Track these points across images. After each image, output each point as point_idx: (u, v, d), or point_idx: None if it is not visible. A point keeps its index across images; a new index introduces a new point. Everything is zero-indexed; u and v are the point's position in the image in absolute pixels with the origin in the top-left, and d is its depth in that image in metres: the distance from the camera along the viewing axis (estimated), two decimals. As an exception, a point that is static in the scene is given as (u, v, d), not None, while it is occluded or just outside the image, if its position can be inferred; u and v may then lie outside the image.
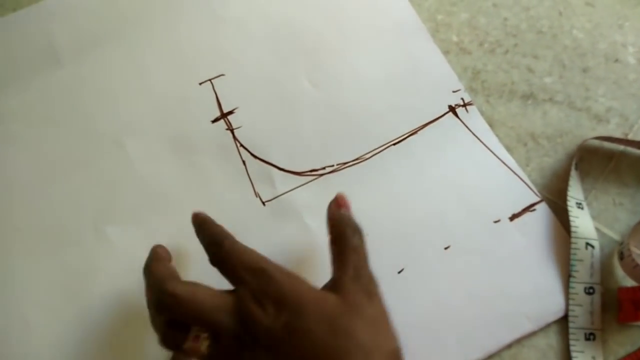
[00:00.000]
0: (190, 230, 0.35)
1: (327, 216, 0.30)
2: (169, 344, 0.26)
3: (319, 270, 0.34)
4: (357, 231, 0.29)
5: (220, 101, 0.38)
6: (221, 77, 0.39)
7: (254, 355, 0.25)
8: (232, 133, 0.38)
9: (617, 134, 0.37)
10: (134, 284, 0.34)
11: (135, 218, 0.36)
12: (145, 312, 0.34)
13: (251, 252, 0.27)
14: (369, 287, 0.27)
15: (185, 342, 0.25)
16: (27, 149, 0.37)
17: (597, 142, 0.37)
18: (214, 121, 0.38)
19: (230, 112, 0.38)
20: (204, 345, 0.25)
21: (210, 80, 0.39)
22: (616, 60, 0.39)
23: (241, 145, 0.37)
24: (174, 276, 0.28)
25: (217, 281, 0.27)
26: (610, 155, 0.37)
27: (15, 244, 0.35)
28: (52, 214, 0.36)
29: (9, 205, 0.36)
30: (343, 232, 0.29)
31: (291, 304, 0.25)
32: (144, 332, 0.33)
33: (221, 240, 0.27)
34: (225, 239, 0.28)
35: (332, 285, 0.27)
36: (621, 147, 0.37)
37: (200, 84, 0.39)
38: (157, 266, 0.29)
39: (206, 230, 0.29)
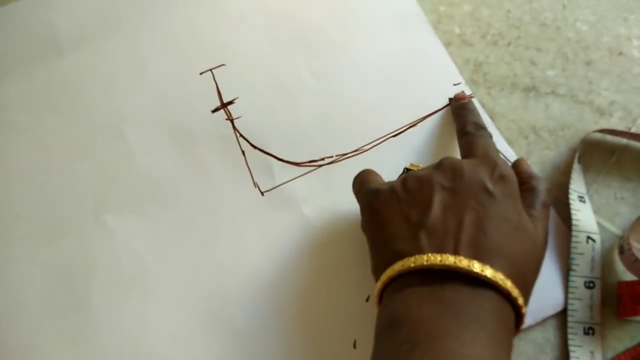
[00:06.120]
0: (188, 219, 0.35)
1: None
2: None
3: (316, 260, 0.34)
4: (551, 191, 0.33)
5: (221, 91, 0.38)
6: (222, 67, 0.39)
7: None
8: (232, 123, 0.38)
9: (620, 128, 0.37)
10: (132, 271, 0.34)
11: (135, 207, 0.36)
12: (140, 297, 0.34)
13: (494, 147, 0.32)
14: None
15: None
16: (28, 137, 0.37)
17: (599, 136, 0.37)
18: (214, 111, 0.38)
19: (230, 102, 0.38)
20: None
21: (210, 70, 0.39)
22: (620, 54, 0.39)
23: (241, 135, 0.37)
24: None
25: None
26: (612, 149, 0.36)
27: (15, 232, 0.35)
28: (52, 203, 0.36)
29: (9, 193, 0.36)
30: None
31: (512, 184, 0.29)
32: (142, 317, 0.33)
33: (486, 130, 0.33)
34: (488, 131, 0.33)
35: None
36: (624, 141, 0.36)
37: (200, 73, 0.39)
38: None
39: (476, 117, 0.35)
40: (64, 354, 0.33)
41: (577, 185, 0.35)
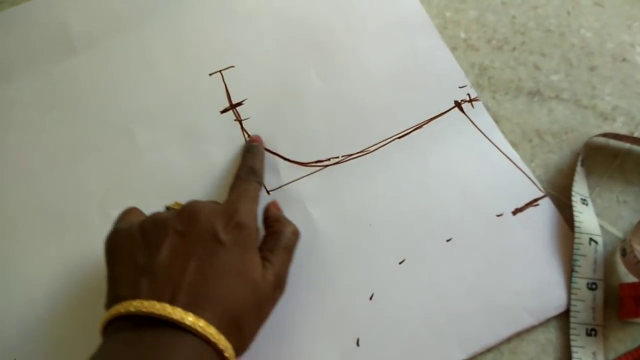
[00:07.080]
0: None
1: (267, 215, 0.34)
2: None
3: (320, 258, 0.35)
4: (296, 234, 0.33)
5: (230, 92, 0.39)
6: (231, 68, 0.40)
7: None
8: (241, 124, 0.38)
9: (623, 133, 0.37)
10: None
11: (143, 204, 0.36)
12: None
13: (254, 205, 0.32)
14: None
15: None
16: (38, 133, 0.38)
17: (602, 140, 0.37)
18: (223, 112, 0.39)
19: (239, 104, 0.39)
20: None
21: (220, 71, 0.39)
22: (623, 60, 0.39)
23: (249, 135, 0.38)
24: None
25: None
26: (615, 153, 0.37)
27: (24, 226, 0.36)
28: (60, 198, 0.37)
29: (19, 188, 0.37)
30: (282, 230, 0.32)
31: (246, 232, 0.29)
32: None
33: (255, 176, 0.34)
34: (258, 177, 0.34)
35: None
36: (626, 146, 0.37)
37: (210, 74, 0.39)
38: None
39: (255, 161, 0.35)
40: (71, 347, 0.33)
41: (580, 188, 0.35)
